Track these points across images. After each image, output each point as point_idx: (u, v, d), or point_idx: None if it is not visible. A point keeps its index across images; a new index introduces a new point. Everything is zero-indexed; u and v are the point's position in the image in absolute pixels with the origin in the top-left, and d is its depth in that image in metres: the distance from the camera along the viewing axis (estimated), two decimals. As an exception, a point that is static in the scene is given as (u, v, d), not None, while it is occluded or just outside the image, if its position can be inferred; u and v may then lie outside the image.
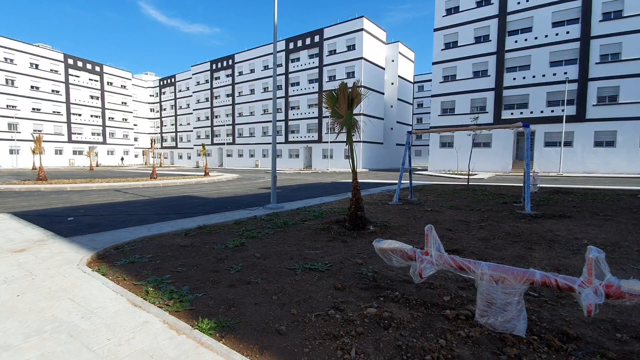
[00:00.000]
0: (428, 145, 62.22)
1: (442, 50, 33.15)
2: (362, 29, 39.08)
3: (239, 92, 53.26)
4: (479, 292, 2.85)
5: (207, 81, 58.71)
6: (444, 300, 3.24)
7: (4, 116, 46.26)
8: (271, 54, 47.90)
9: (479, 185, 16.54)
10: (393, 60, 48.51)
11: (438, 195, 12.53)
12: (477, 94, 31.12)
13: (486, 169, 29.89)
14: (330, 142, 41.02)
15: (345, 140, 6.69)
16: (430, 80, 65.55)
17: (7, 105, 46.77)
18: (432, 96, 34.34)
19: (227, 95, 55.28)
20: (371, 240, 5.47)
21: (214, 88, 57.42)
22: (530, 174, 9.49)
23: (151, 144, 22.12)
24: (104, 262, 4.45)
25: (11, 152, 47.14)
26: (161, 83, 72.09)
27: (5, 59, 46.71)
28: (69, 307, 2.99)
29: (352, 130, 6.38)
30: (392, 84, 48.65)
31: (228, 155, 55.55)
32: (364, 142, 40.16)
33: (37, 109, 50.40)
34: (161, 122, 72.69)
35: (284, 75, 47.00)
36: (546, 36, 27.83)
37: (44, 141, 31.60)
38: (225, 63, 55.23)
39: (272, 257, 4.60)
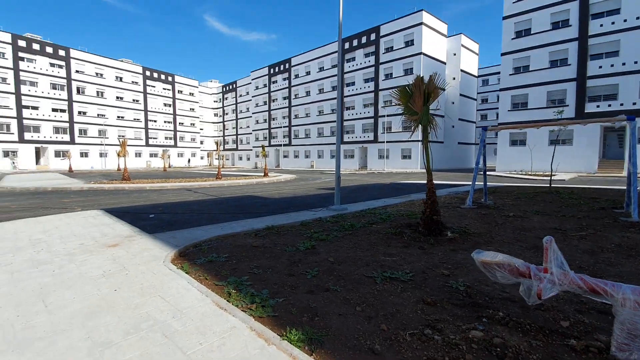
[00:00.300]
0: (494, 143, 57.70)
1: (512, 39, 30.32)
2: (421, 23, 37.43)
3: (295, 95, 54.53)
4: (618, 320, 2.30)
5: (265, 85, 61.11)
6: (563, 326, 2.72)
7: (95, 124, 53.02)
8: (327, 55, 48.40)
9: (562, 187, 14.67)
10: (455, 54, 45.74)
11: (516, 198, 11.31)
12: (555, 85, 27.85)
13: (566, 169, 26.60)
14: (387, 142, 39.97)
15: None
16: (497, 73, 60.77)
17: (98, 114, 53.52)
18: (501, 90, 31.58)
19: (284, 98, 56.94)
20: (452, 248, 5.00)
21: (272, 92, 59.54)
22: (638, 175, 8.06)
23: (216, 146, 23.52)
24: (185, 260, 4.62)
25: (101, 155, 53.85)
26: (224, 89, 76.87)
27: (97, 73, 53.51)
28: (161, 305, 3.07)
29: (428, 128, 5.89)
30: (454, 78, 45.88)
31: (284, 156, 57.17)
32: (421, 141, 38.36)
33: (121, 117, 56.91)
34: (224, 125, 77.48)
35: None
36: (638, 18, 23.94)
37: (127, 145, 35.53)
38: (282, 67, 56.97)
39: (346, 263, 4.38)
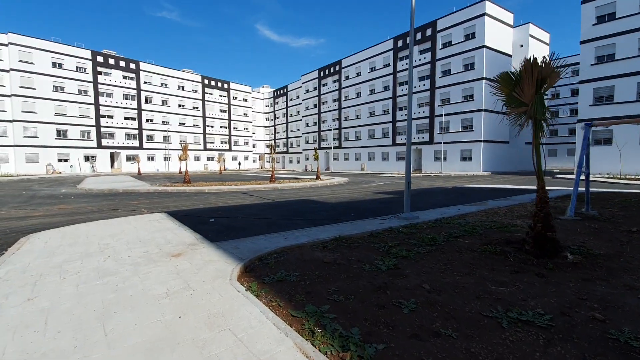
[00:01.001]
0: (567, 143, 51.70)
1: (593, 25, 26.57)
2: (484, 14, 34.57)
3: (345, 97, 53.86)
4: None
5: (315, 88, 61.36)
6: None
7: (160, 130, 57.30)
8: (378, 54, 47.03)
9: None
10: (522, 45, 41.66)
11: (622, 207, 9.36)
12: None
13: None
14: (444, 142, 37.51)
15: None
16: (570, 65, 54.44)
17: (162, 122, 57.79)
18: (581, 82, 27.83)
19: (334, 100, 56.59)
20: (584, 277, 3.83)
21: (322, 94, 59.55)
22: None
23: (271, 150, 23.62)
24: (252, 278, 4.07)
25: (164, 159, 58.03)
26: (275, 94, 78.86)
27: (162, 84, 57.87)
28: (232, 345, 2.48)
29: (541, 121, 4.75)
30: (520, 73, 41.79)
31: (334, 159, 56.71)
32: (484, 141, 35.41)
33: (183, 123, 60.88)
34: (274, 129, 79.42)
35: (391, 76, 45.40)
36: None
37: (188, 150, 37.41)
38: (332, 69, 56.72)
39: (447, 292, 3.48)
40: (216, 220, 9.10)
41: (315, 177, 27.58)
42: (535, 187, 5.13)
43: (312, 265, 4.47)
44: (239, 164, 69.31)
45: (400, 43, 43.88)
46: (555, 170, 41.30)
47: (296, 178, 29.13)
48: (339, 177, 30.69)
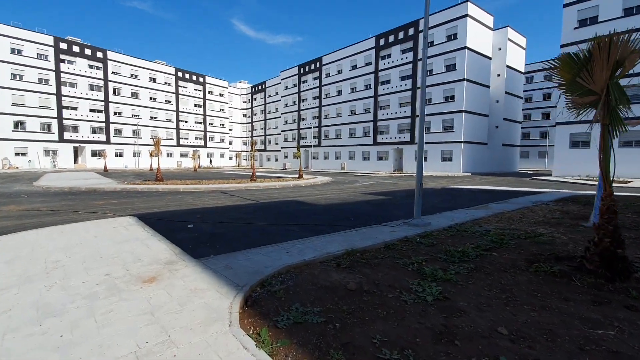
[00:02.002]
0: (541, 145, 53.36)
1: (575, 28, 27.13)
2: (466, 15, 34.70)
3: (326, 94, 52.91)
4: None
5: (294, 85, 59.99)
6: None
7: (129, 124, 53.89)
8: (360, 52, 46.41)
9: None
10: (500, 49, 42.41)
11: (634, 212, 8.97)
12: (633, 79, 24.43)
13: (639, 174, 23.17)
14: (426, 143, 37.41)
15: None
16: (542, 70, 56.41)
17: (132, 115, 54.39)
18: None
19: (314, 98, 55.50)
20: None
21: (302, 91, 58.30)
22: None
23: (251, 147, 22.24)
24: (259, 318, 2.96)
25: (134, 154, 54.68)
26: (253, 90, 76.64)
27: (132, 75, 54.42)
28: None
29: (617, 112, 3.92)
30: (499, 75, 42.56)
31: (314, 158, 55.68)
32: (464, 142, 35.63)
33: (154, 117, 57.64)
34: (252, 126, 77.24)
35: (372, 74, 44.93)
36: None
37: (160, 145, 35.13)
38: (312, 66, 55.59)
39: (535, 341, 2.54)
40: (196, 225, 7.84)
41: (297, 176, 26.46)
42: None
43: (333, 295, 3.42)
44: (210, 161, 66.46)
45: (382, 42, 43.45)
46: (529, 172, 42.44)
47: (277, 177, 27.87)
48: (320, 176, 29.71)
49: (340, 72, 50.14)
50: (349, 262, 4.57)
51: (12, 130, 41.86)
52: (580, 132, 26.75)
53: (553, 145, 56.43)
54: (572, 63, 3.97)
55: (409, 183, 22.55)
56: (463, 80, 35.06)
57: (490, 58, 39.19)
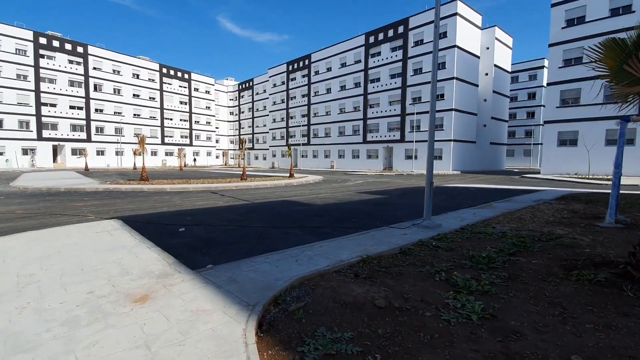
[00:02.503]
0: (526, 144, 54.25)
1: (562, 28, 27.44)
2: (455, 14, 34.73)
3: (315, 92, 52.34)
4: None
5: (283, 83, 59.17)
6: None
7: (111, 122, 51.99)
8: (349, 50, 46.00)
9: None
10: (488, 48, 42.82)
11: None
12: None
13: (630, 172, 23.59)
14: (416, 141, 37.38)
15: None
16: (528, 70, 57.43)
17: (114, 112, 52.48)
18: (549, 84, 28.70)
19: (303, 96, 54.85)
20: None
21: (290, 89, 57.55)
22: None
23: (241, 145, 21.50)
24: (280, 349, 2.43)
25: (117, 153, 52.83)
26: (240, 87, 75.34)
27: (114, 70, 52.49)
28: None
29: None
30: (487, 74, 42.97)
31: (302, 156, 55.09)
32: (454, 140, 35.74)
33: (138, 115, 55.82)
34: (239, 124, 75.96)
35: (362, 72, 44.62)
36: None
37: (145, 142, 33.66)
38: (301, 63, 54.90)
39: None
40: (188, 229, 7.23)
41: (288, 175, 25.88)
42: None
43: (361, 314, 2.93)
44: (195, 160, 64.77)
45: (371, 39, 43.16)
46: (515, 170, 43.04)
47: (268, 176, 27.21)
48: (311, 175, 29.22)
49: (329, 69, 49.64)
50: (367, 271, 4.09)
51: (-14, 128, 39.69)
52: (568, 130, 27.11)
53: (538, 144, 57.69)
54: (618, 49, 3.59)
55: (401, 182, 22.28)
56: (453, 78, 35.11)
57: (478, 57, 39.43)
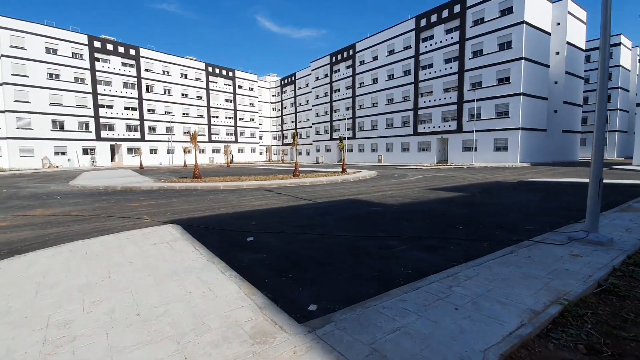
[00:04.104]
0: (609, 131, 47.65)
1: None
2: (524, -15, 30.70)
3: (360, 83, 50.08)
4: None
5: (326, 75, 57.57)
6: None
7: (162, 121, 53.91)
8: (398, 36, 43.07)
9: None
10: (559, 23, 37.74)
11: None
12: None
13: None
14: (476, 131, 33.93)
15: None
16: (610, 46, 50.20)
17: (165, 112, 54.35)
18: (647, 58, 24.13)
19: (347, 88, 52.85)
20: None
21: (334, 81, 55.79)
22: None
23: (294, 139, 20.27)
24: None
25: (168, 151, 54.78)
26: (282, 82, 75.02)
27: (164, 71, 54.26)
28: None
29: None
30: (558, 53, 37.96)
31: (348, 150, 53.26)
32: (522, 129, 31.83)
33: (186, 114, 57.43)
34: (282, 120, 75.81)
35: (412, 59, 41.61)
36: None
37: (190, 141, 33.95)
38: (345, 54, 52.85)
39: None
40: (257, 238, 5.88)
41: (340, 170, 24.34)
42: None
43: None
44: (232, 157, 64.74)
45: (423, 22, 39.96)
46: (589, 160, 37.67)
47: (317, 171, 25.85)
48: (363, 170, 27.37)
49: (375, 58, 47.10)
50: (594, 335, 2.31)
51: (51, 130, 42.63)
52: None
53: (615, 131, 50.60)
54: None
55: (468, 176, 19.72)
56: (520, 59, 31.17)
57: (549, 34, 34.80)
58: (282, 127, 75.99)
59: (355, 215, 8.00)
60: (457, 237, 5.64)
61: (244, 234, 6.31)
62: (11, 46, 39.59)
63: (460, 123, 36.45)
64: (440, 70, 38.32)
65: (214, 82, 61.62)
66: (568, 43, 37.97)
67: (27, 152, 41.02)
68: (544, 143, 35.02)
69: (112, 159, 49.63)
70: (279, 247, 5.32)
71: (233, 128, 65.13)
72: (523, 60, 31.12)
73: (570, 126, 40.03)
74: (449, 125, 37.81)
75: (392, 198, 10.93)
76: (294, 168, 33.01)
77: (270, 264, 4.43)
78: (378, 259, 4.56)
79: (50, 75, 42.56)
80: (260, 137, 73.85)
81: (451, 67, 37.13)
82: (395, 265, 4.26)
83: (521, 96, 31.32)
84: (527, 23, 31.18)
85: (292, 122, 71.91)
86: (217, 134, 62.22)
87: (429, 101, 39.79)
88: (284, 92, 74.50)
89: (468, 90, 35.23)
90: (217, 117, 62.25)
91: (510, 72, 32.01)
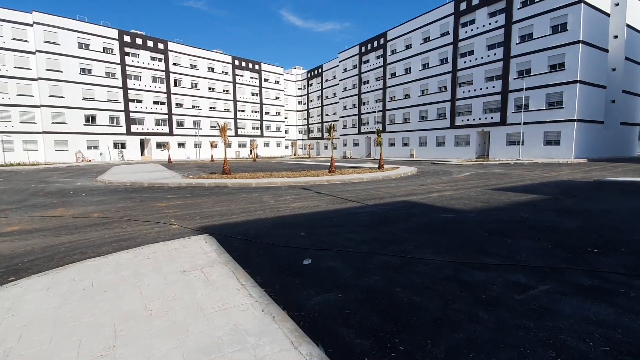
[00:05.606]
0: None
1: None
2: (584, -42, 27.27)
3: (391, 74, 47.57)
4: None
5: (354, 66, 55.37)
6: None
7: (190, 115, 53.89)
8: (434, 22, 40.23)
9: None
10: (617, 4, 33.70)
11: None
12: None
13: None
14: (523, 123, 30.90)
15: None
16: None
17: (193, 106, 54.29)
18: None
19: (377, 79, 50.47)
20: None
21: (363, 73, 53.52)
22: None
23: (330, 132, 18.67)
24: None
25: (195, 145, 54.79)
26: (308, 75, 73.42)
27: (191, 65, 54.09)
28: None
29: None
30: (616, 37, 33.96)
31: (377, 144, 51.00)
32: (578, 121, 28.59)
33: (213, 108, 57.19)
34: (308, 113, 74.37)
35: (450, 46, 38.75)
36: None
37: (218, 136, 33.32)
38: (375, 43, 50.40)
39: None
40: (316, 260, 4.37)
41: (377, 166, 22.58)
42: None
43: None
44: (251, 151, 63.36)
45: (463, 5, 36.96)
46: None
47: (353, 167, 24.22)
48: (400, 165, 25.41)
49: (408, 47, 44.44)
50: None
51: (84, 124, 43.34)
52: None
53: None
54: None
55: (522, 173, 17.38)
56: (578, 42, 27.85)
57: (608, 15, 31.03)
58: (308, 121, 74.57)
59: (427, 226, 6.32)
60: (610, 269, 3.86)
61: (296, 252, 4.81)
62: (45, 41, 40.30)
63: (505, 115, 33.45)
64: (482, 58, 35.32)
65: (240, 75, 60.99)
66: (628, 26, 33.86)
67: (62, 146, 41.91)
68: (601, 136, 31.48)
69: (142, 153, 50.13)
70: (352, 279, 3.77)
71: (259, 122, 64.44)
72: (580, 44, 27.79)
73: (629, 118, 35.96)
74: (491, 117, 34.87)
75: (455, 201, 9.13)
76: (322, 163, 31.47)
77: (354, 316, 2.88)
78: (528, 314, 2.89)
79: (83, 70, 43.15)
80: (286, 131, 72.85)
81: (495, 54, 34.07)
82: (568, 333, 2.58)
83: (578, 84, 28.05)
84: (585, 2, 27.77)
85: (319, 115, 70.30)
86: (243, 128, 61.73)
87: (468, 91, 36.91)
88: (310, 84, 72.89)
89: (515, 78, 32.16)
90: (243, 110, 61.69)
91: (565, 58, 28.73)
